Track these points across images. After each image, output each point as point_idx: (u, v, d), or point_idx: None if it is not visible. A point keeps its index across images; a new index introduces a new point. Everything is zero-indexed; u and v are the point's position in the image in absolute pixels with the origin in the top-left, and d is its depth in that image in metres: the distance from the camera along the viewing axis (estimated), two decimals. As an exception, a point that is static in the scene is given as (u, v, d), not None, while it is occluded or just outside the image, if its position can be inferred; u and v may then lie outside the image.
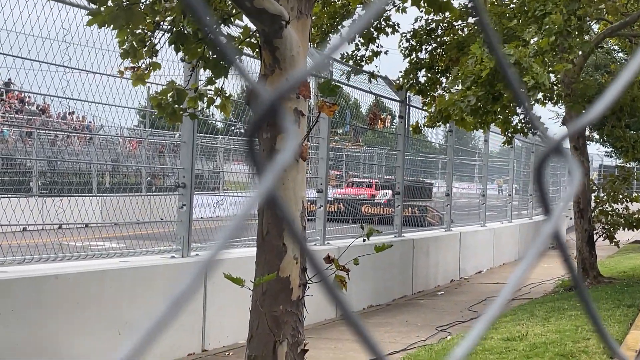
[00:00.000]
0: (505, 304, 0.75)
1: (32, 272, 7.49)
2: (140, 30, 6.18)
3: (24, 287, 7.23)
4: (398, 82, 14.54)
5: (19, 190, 14.96)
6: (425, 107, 14.64)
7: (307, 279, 5.26)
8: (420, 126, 14.80)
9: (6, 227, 8.27)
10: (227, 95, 6.46)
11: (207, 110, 10.12)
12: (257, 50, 5.91)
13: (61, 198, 9.09)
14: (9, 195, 9.73)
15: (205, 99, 6.41)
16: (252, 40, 6.21)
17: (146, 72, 6.42)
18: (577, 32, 11.41)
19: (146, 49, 6.29)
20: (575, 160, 0.85)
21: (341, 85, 13.27)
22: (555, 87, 13.20)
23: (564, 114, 15.87)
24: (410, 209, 18.55)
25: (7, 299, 7.03)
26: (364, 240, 5.51)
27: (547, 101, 13.75)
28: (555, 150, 0.82)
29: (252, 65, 9.46)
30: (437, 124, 14.39)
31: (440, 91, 14.18)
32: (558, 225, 0.82)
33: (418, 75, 14.44)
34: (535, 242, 0.84)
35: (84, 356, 7.51)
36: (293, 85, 0.76)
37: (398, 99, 15.18)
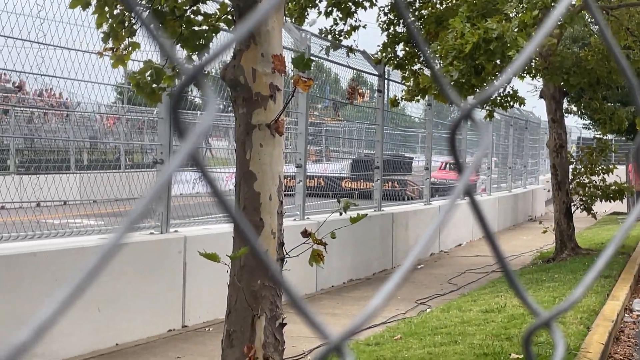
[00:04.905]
0: (416, 261, 0.77)
1: (10, 250, 7.47)
2: (118, 11, 6.13)
3: (2, 264, 7.22)
4: (376, 56, 14.53)
5: (-5, 168, 14.87)
6: (403, 81, 14.65)
7: (285, 253, 5.28)
8: (398, 100, 14.83)
9: (-17, 206, 8.24)
10: (204, 72, 6.43)
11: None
12: (232, 26, 5.89)
13: (38, 175, 9.05)
14: (-14, 174, 9.68)
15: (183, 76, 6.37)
16: (229, 16, 6.18)
17: (125, 52, 6.36)
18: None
19: (125, 29, 6.23)
20: (485, 126, 0.91)
21: (317, 59, 13.24)
22: (533, 60, 13.23)
23: (542, 86, 15.93)
24: (390, 183, 18.59)
25: (-15, 277, 7.01)
26: (340, 214, 5.53)
27: (525, 74, 13.78)
28: (466, 117, 0.85)
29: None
30: (416, 97, 14.43)
31: (418, 65, 14.19)
32: (467, 184, 0.87)
33: (396, 49, 14.43)
34: (449, 199, 0.88)
35: (63, 332, 7.51)
36: (213, 57, 0.78)
37: (376, 73, 15.17)
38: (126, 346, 8.24)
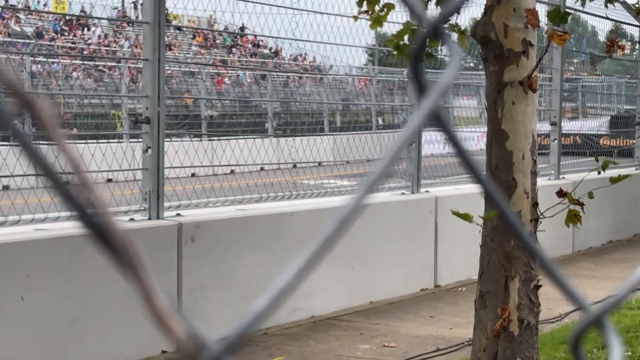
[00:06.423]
0: None
1: (269, 210, 7.81)
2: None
3: (261, 223, 7.56)
4: (638, 5, 13.67)
5: (255, 132, 15.61)
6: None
7: (539, 214, 5.11)
8: (663, 51, 13.91)
9: (244, 167, 8.67)
10: (462, 30, 6.31)
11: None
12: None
13: (294, 138, 9.39)
14: (247, 137, 10.17)
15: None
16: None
17: (382, 14, 6.39)
18: None
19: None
20: None
21: (573, 12, 12.66)
22: None
23: None
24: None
25: (246, 235, 7.38)
26: (598, 173, 5.27)
27: None
28: None
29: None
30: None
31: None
32: None
33: (661, -4, 13.49)
34: None
35: (320, 290, 7.77)
36: (453, 10, 0.71)
37: (638, 24, 14.29)
38: (379, 304, 8.39)
